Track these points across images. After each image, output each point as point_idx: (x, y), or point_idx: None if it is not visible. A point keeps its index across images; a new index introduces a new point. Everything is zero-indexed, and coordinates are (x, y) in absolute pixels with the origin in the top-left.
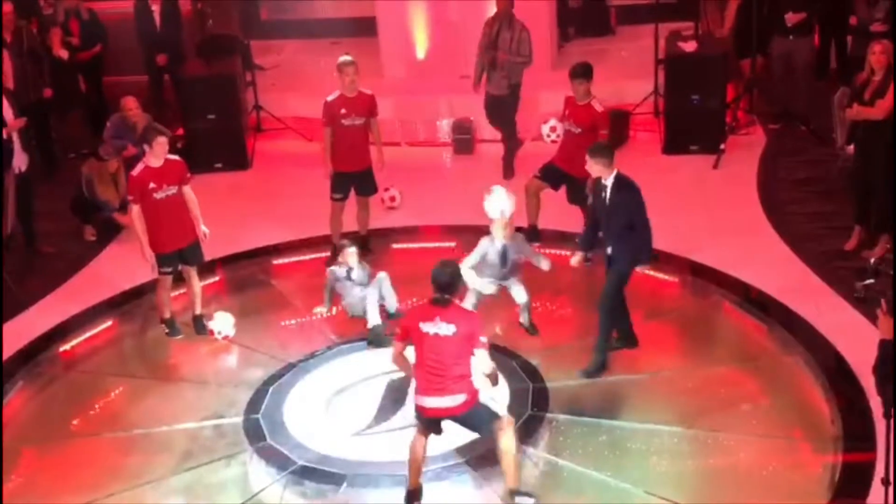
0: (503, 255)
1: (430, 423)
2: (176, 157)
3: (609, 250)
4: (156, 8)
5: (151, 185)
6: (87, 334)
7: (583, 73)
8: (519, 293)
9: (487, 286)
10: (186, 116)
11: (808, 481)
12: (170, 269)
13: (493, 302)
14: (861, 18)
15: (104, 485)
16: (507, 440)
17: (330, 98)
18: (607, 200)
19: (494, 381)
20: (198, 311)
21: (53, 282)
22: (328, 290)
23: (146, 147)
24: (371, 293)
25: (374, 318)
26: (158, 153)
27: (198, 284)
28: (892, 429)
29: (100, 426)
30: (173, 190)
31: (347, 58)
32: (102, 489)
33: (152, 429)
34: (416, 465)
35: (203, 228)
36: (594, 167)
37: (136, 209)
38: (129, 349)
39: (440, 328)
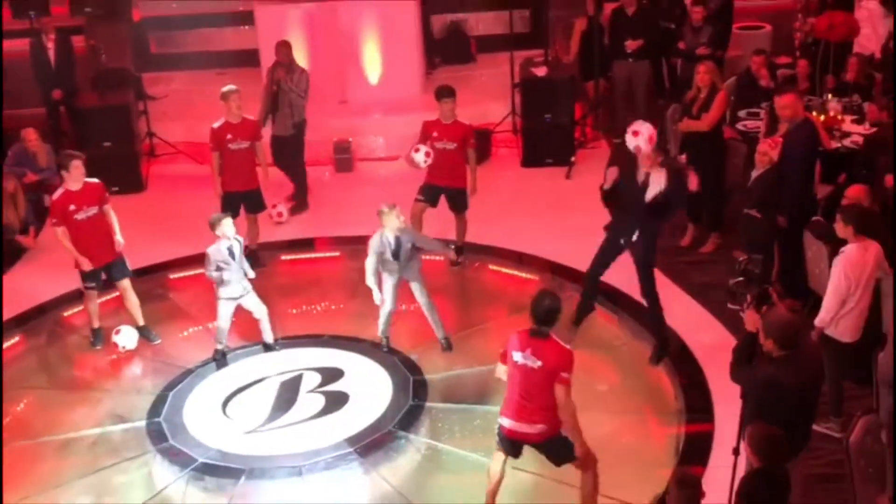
0: (396, 247)
1: (510, 444)
2: (94, 180)
3: (634, 237)
4: (50, 45)
5: (72, 207)
6: None
7: (449, 93)
8: (419, 292)
9: (388, 278)
10: (83, 145)
11: (656, 451)
12: (93, 285)
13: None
14: (688, 44)
15: (17, 491)
16: (585, 477)
17: (216, 125)
18: (664, 187)
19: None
20: (140, 322)
21: None
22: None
23: (63, 172)
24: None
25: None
26: (76, 176)
27: (133, 297)
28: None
29: (10, 435)
30: (94, 210)
31: (231, 87)
32: (14, 494)
33: (59, 435)
34: (493, 485)
35: (118, 238)
36: (652, 158)
37: (59, 230)
38: (35, 362)
39: (528, 360)
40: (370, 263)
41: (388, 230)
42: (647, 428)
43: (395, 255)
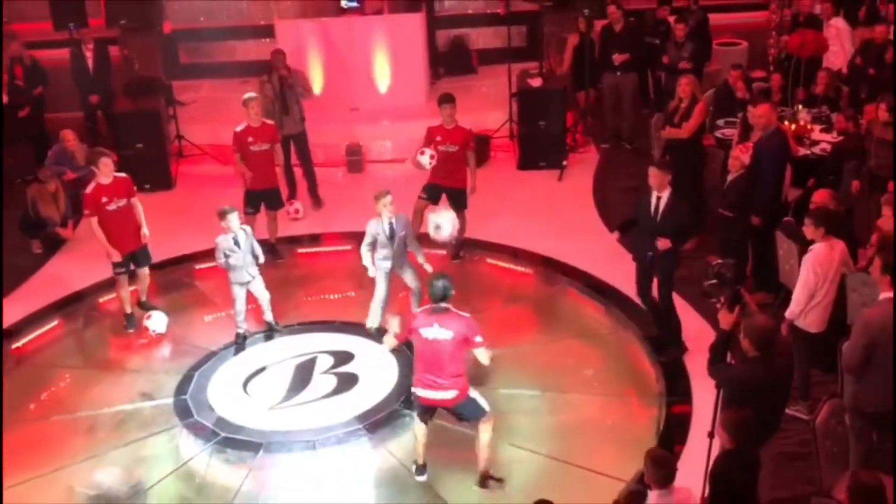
0: (391, 231)
1: (425, 410)
2: (123, 175)
3: (650, 253)
4: (88, 54)
5: (104, 199)
6: (36, 333)
7: (450, 99)
8: (411, 279)
9: (382, 264)
10: (118, 146)
11: (639, 430)
12: (123, 270)
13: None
14: (671, 58)
15: (53, 461)
16: (485, 432)
17: (238, 128)
18: (659, 211)
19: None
20: (143, 298)
21: (6, 289)
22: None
23: (94, 168)
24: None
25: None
26: (106, 172)
27: (146, 280)
28: (716, 395)
29: (48, 411)
30: (123, 202)
31: (252, 94)
32: (52, 465)
33: (93, 411)
34: (420, 441)
35: (145, 231)
36: (659, 177)
37: (93, 221)
38: (73, 344)
39: (438, 333)
40: (364, 243)
41: (384, 216)
42: (631, 409)
43: (390, 237)
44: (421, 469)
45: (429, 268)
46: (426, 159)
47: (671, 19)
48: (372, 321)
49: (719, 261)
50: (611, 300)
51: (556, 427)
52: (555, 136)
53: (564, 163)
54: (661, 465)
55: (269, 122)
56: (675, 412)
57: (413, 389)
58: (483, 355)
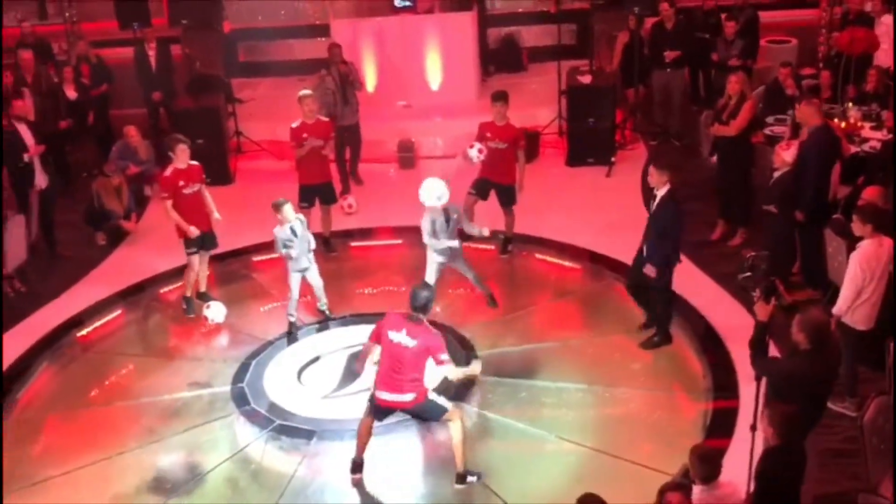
0: (446, 216)
1: (380, 410)
2: (195, 163)
3: (645, 250)
4: (151, 53)
5: (181, 182)
6: (100, 321)
7: (503, 97)
8: (465, 269)
9: (436, 257)
10: None
11: (685, 425)
12: (194, 249)
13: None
14: (721, 55)
15: (117, 445)
16: (454, 429)
17: (294, 125)
18: (653, 208)
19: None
20: (202, 288)
21: (71, 280)
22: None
23: (170, 153)
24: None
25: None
26: (182, 157)
27: (206, 267)
28: (756, 389)
29: (112, 397)
30: (197, 187)
31: (307, 91)
32: (115, 448)
33: (155, 398)
34: (363, 440)
35: (216, 215)
36: (656, 176)
37: (168, 203)
38: (135, 333)
39: (403, 339)
40: (425, 232)
41: (433, 206)
42: (677, 404)
43: (446, 221)
44: (357, 466)
45: (486, 232)
46: (475, 153)
47: (723, 16)
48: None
49: (753, 253)
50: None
51: (602, 420)
52: (604, 132)
53: (613, 159)
54: (707, 461)
55: (324, 118)
56: (722, 407)
57: (374, 392)
58: (451, 373)
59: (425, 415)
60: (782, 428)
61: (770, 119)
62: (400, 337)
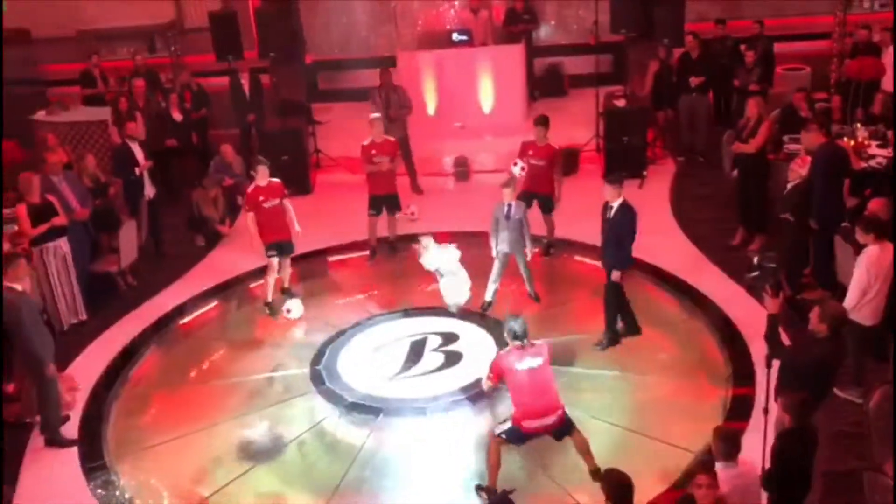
0: (508, 210)
1: (523, 438)
2: (276, 180)
3: (605, 257)
4: (244, 81)
5: (261, 198)
6: (199, 311)
7: (544, 121)
8: (522, 266)
9: (500, 248)
10: (267, 158)
11: (708, 408)
12: (274, 253)
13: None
14: (741, 81)
15: (211, 417)
16: (579, 437)
17: (364, 143)
18: (610, 219)
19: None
20: (286, 285)
21: (175, 275)
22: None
23: (253, 172)
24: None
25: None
26: (262, 176)
27: (288, 268)
28: (767, 376)
29: (208, 377)
30: (276, 202)
31: (376, 114)
32: (210, 420)
33: (244, 378)
34: (495, 470)
35: (297, 227)
36: (610, 191)
37: (249, 215)
38: (228, 322)
39: (532, 363)
40: (492, 228)
41: (506, 199)
42: (701, 389)
43: (507, 217)
44: (490, 491)
45: (528, 254)
46: (517, 170)
47: (742, 46)
48: (487, 296)
49: (759, 255)
50: (684, 293)
51: (633, 403)
52: (636, 149)
53: (645, 173)
54: (728, 440)
55: (391, 138)
56: (740, 393)
57: (520, 424)
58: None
59: (565, 431)
60: (796, 412)
61: (785, 139)
62: (529, 363)
